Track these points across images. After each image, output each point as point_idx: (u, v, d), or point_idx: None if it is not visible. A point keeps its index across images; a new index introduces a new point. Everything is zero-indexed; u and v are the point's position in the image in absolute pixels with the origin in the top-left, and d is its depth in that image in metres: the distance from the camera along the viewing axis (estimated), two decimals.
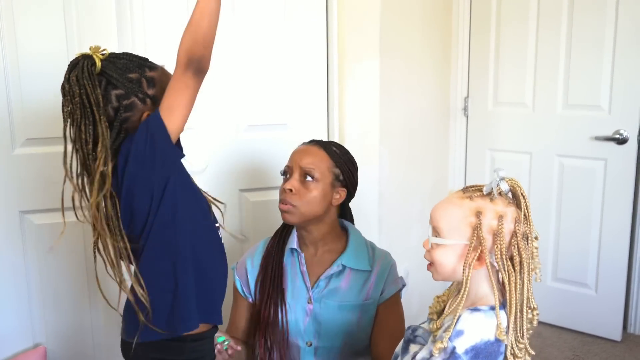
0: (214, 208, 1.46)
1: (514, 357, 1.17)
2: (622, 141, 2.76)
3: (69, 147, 1.30)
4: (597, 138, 2.82)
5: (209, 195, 1.46)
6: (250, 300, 1.73)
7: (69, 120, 1.26)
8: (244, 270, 1.75)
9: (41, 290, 2.00)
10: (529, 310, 1.20)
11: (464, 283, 1.19)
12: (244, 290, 1.74)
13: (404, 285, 1.74)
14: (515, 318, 1.17)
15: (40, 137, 1.90)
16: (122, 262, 1.33)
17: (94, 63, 1.25)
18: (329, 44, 2.28)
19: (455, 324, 1.17)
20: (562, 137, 2.94)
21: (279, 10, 2.20)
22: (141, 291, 1.29)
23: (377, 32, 2.27)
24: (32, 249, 1.97)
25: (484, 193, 1.20)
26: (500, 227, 1.15)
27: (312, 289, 1.66)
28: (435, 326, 1.24)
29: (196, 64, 1.26)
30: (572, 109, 2.89)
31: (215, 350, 1.52)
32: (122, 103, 1.27)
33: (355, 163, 1.73)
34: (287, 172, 1.66)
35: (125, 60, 1.30)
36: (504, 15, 3.01)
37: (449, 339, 1.14)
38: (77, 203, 1.33)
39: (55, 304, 2.02)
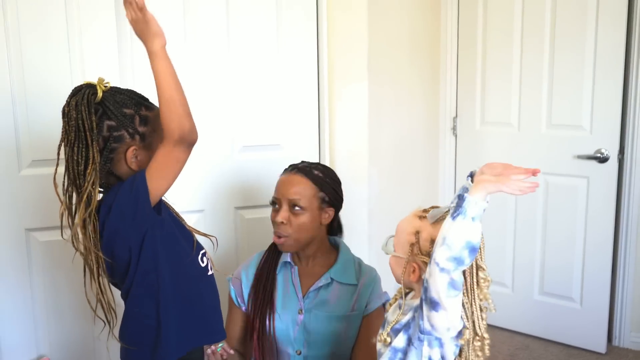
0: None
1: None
2: (603, 160, 2.86)
3: (61, 167, 1.41)
4: (580, 157, 2.92)
5: (199, 232, 1.55)
6: (244, 309, 1.83)
7: (64, 140, 1.36)
8: (238, 282, 1.85)
9: (45, 304, 2.09)
10: (477, 339, 1.27)
11: (403, 293, 1.31)
12: (238, 300, 1.84)
13: (387, 300, 1.84)
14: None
15: (46, 159, 2.00)
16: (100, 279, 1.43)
17: (96, 92, 1.35)
18: (320, 68, 2.39)
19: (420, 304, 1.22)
20: (546, 156, 3.03)
21: (272, 37, 2.31)
22: (106, 305, 1.43)
23: (365, 56, 2.38)
24: (37, 265, 2.07)
25: (427, 216, 1.30)
26: (431, 249, 1.23)
27: (302, 299, 1.76)
28: (382, 337, 1.34)
29: (188, 138, 1.35)
30: (555, 129, 2.99)
31: (209, 351, 1.61)
32: (112, 134, 1.36)
33: (338, 180, 1.85)
34: (275, 203, 1.76)
35: (125, 96, 1.40)
36: (490, 39, 3.12)
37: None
38: (64, 221, 1.42)
39: (58, 316, 2.11)
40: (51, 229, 2.03)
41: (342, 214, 2.29)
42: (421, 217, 1.32)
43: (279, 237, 1.73)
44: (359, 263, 1.85)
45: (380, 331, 1.38)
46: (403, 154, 2.87)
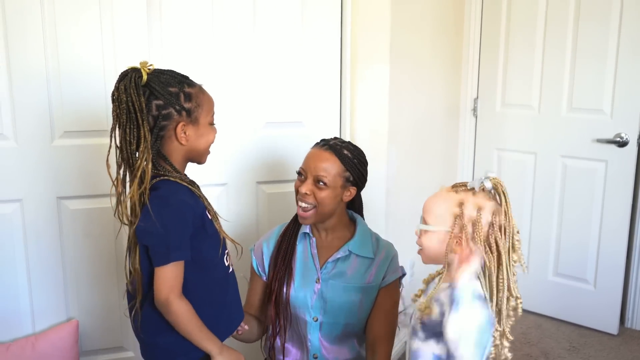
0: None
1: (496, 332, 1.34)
2: (622, 144, 2.88)
3: (113, 146, 1.47)
4: (599, 140, 2.94)
5: (228, 237, 1.60)
6: (265, 279, 1.91)
7: (116, 123, 1.44)
8: (260, 252, 1.93)
9: (75, 270, 2.18)
10: (512, 298, 1.35)
11: (445, 265, 1.36)
12: (259, 269, 1.92)
13: (404, 274, 1.91)
14: (498, 301, 1.33)
15: (77, 130, 2.09)
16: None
17: (141, 75, 1.43)
18: (343, 48, 2.42)
19: (451, 292, 1.27)
20: (566, 139, 3.06)
21: (296, 17, 2.34)
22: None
23: (388, 37, 2.41)
24: (68, 232, 2.15)
25: (468, 188, 1.37)
26: (478, 217, 1.32)
27: (320, 269, 1.84)
28: (423, 306, 1.40)
29: None
30: (575, 112, 3.01)
31: None
32: (161, 112, 1.44)
33: (366, 161, 1.89)
34: (301, 174, 1.82)
35: (168, 76, 1.47)
36: (514, 21, 3.13)
37: (454, 291, 1.24)
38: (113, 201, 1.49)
39: (87, 282, 2.21)
40: (81, 197, 2.14)
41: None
42: (457, 191, 1.37)
43: (303, 209, 1.79)
44: (376, 238, 1.92)
45: (418, 300, 1.44)
46: (422, 134, 2.91)
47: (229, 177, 2.36)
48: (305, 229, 1.87)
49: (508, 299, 1.34)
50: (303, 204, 1.79)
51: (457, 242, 1.34)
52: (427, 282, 1.52)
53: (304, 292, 1.83)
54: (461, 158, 3.40)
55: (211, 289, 1.56)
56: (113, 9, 2.08)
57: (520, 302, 1.37)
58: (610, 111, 2.90)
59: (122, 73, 1.44)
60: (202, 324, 1.48)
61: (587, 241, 3.07)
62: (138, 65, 1.45)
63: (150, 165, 1.43)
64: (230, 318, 1.65)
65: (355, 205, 1.98)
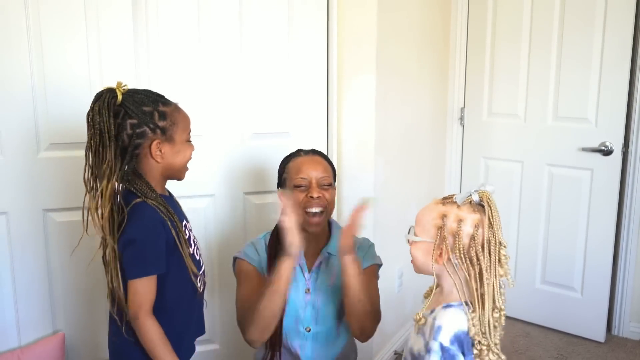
0: None
1: (479, 344, 1.33)
2: (607, 152, 2.90)
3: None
4: (584, 149, 2.97)
5: (191, 266, 1.62)
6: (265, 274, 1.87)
7: (89, 143, 1.48)
8: (254, 251, 1.89)
9: (61, 282, 2.17)
10: (496, 310, 1.35)
11: (434, 276, 1.38)
12: (259, 267, 1.87)
13: (381, 264, 1.94)
14: (478, 313, 1.34)
15: (63, 142, 2.08)
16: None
17: (115, 96, 1.47)
18: (329, 59, 2.44)
19: (433, 321, 1.35)
20: (552, 148, 3.09)
21: (283, 28, 2.35)
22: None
23: (374, 48, 2.42)
24: (53, 244, 2.14)
25: (454, 200, 1.38)
26: (458, 229, 1.33)
27: (309, 279, 1.84)
28: (418, 317, 1.42)
29: None
30: (561, 121, 3.04)
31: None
32: (135, 131, 1.49)
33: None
34: (302, 185, 1.81)
35: (142, 96, 1.51)
36: (499, 32, 3.16)
37: (433, 338, 1.32)
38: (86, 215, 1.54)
39: (73, 294, 2.19)
40: (67, 209, 2.12)
41: (348, 201, 2.38)
42: (445, 203, 1.38)
43: (315, 215, 1.79)
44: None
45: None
46: (410, 144, 2.92)
47: (216, 188, 2.36)
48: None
49: (492, 309, 1.34)
50: (314, 210, 1.79)
51: (439, 253, 1.35)
52: (427, 296, 1.53)
53: (294, 305, 1.83)
54: (448, 167, 3.42)
55: (183, 303, 1.62)
56: (99, 22, 2.08)
57: (504, 314, 1.37)
58: (595, 120, 2.93)
59: (97, 94, 1.49)
60: (167, 343, 1.52)
61: (574, 249, 3.09)
62: (114, 86, 1.49)
63: (110, 186, 1.47)
64: (195, 328, 1.73)
65: None
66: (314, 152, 1.92)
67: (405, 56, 2.78)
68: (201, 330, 1.77)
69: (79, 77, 2.08)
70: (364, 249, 1.91)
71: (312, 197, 1.79)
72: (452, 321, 1.34)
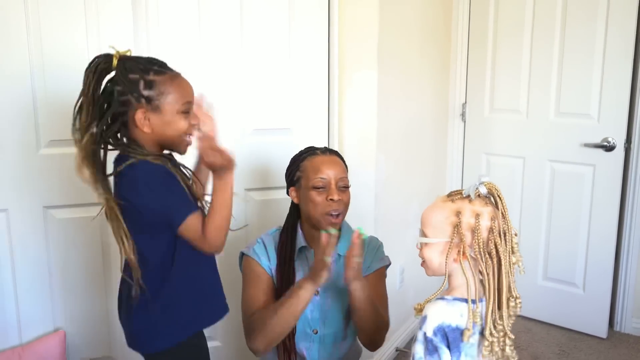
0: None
1: (491, 336, 1.33)
2: (609, 148, 2.89)
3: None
4: (587, 145, 2.96)
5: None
6: (269, 273, 1.86)
7: (79, 101, 1.49)
8: (263, 248, 1.89)
9: (62, 279, 2.16)
10: (512, 299, 1.35)
11: (445, 275, 1.36)
12: (266, 265, 1.86)
13: (389, 264, 1.93)
14: (493, 304, 1.33)
15: (63, 139, 2.06)
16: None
17: (109, 61, 1.48)
18: (330, 54, 2.42)
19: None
20: (554, 143, 3.07)
21: (284, 24, 2.34)
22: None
23: (376, 43, 2.41)
24: (54, 241, 2.13)
25: (464, 195, 1.36)
26: (477, 224, 1.31)
27: None
28: (417, 309, 1.41)
29: (214, 252, 1.57)
30: (563, 117, 3.02)
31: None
32: (120, 98, 1.47)
33: None
34: (322, 186, 1.78)
35: (133, 62, 1.49)
36: (501, 27, 3.15)
37: (419, 327, 1.32)
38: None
39: (74, 292, 2.18)
40: (68, 206, 2.12)
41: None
42: (454, 200, 1.36)
43: (336, 217, 1.77)
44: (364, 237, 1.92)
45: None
46: (411, 140, 2.91)
47: None
48: (302, 242, 1.84)
49: (508, 299, 1.34)
50: (337, 212, 1.77)
51: (457, 251, 1.33)
52: (419, 308, 1.52)
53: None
54: (450, 163, 3.41)
55: (199, 272, 1.59)
56: (99, 16, 2.06)
57: (520, 302, 1.37)
58: (598, 116, 2.91)
59: (93, 58, 1.50)
60: (227, 203, 1.53)
61: (576, 245, 3.08)
62: (112, 52, 1.49)
63: (85, 143, 1.47)
64: (214, 305, 1.67)
65: None
66: (330, 151, 1.87)
67: (407, 51, 2.76)
68: (223, 308, 1.71)
69: (80, 73, 2.05)
70: (372, 251, 1.89)
71: (332, 199, 1.76)
72: (438, 313, 1.32)
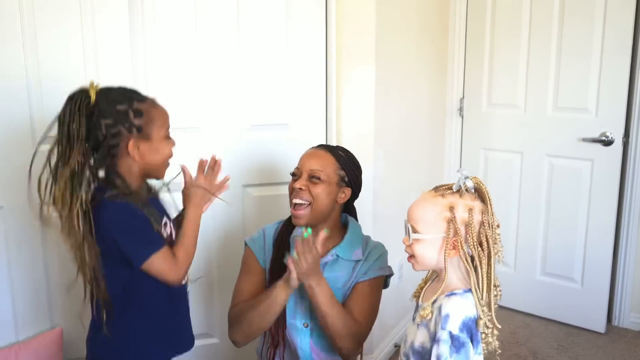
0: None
1: (486, 328, 1.35)
2: (608, 143, 2.89)
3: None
4: (585, 139, 2.95)
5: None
6: (262, 265, 1.86)
7: (57, 144, 1.43)
8: (262, 240, 1.89)
9: (58, 276, 2.14)
10: (494, 288, 1.38)
11: (445, 270, 1.36)
12: (259, 256, 1.87)
13: (391, 274, 1.89)
14: (488, 294, 1.35)
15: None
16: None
17: (89, 96, 1.42)
18: (328, 50, 2.41)
19: (438, 311, 1.34)
20: (552, 138, 3.07)
21: (281, 19, 2.32)
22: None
23: (373, 38, 2.40)
24: (50, 238, 2.10)
25: (454, 190, 1.37)
26: (470, 218, 1.33)
27: None
28: (426, 312, 1.39)
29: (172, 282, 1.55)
30: (561, 112, 3.02)
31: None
32: (110, 131, 1.43)
33: (360, 166, 1.89)
34: (296, 174, 1.80)
35: (116, 94, 1.46)
36: (499, 21, 3.14)
37: (442, 327, 1.31)
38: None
39: (71, 288, 2.17)
40: None
41: None
42: (444, 194, 1.37)
43: (297, 207, 1.76)
44: (366, 240, 1.90)
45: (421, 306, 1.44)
46: (409, 135, 2.90)
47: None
48: (298, 233, 1.83)
49: (491, 289, 1.36)
50: (297, 201, 1.76)
51: (453, 246, 1.34)
52: (417, 295, 1.52)
53: (294, 297, 1.80)
54: (448, 158, 3.41)
55: (162, 302, 1.58)
56: (94, 15, 2.05)
57: (500, 291, 1.40)
58: (596, 110, 2.91)
59: (69, 95, 1.44)
60: (193, 234, 1.58)
61: (574, 240, 3.08)
62: (86, 86, 1.44)
63: (78, 190, 1.42)
64: (179, 336, 1.68)
65: (352, 213, 1.98)
66: (323, 146, 1.87)
67: (405, 47, 2.75)
68: (189, 339, 1.73)
69: (75, 70, 2.05)
70: (372, 257, 1.85)
71: (294, 187, 1.77)
72: (460, 308, 1.33)
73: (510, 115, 3.19)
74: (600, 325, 3.08)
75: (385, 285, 1.90)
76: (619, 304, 3.12)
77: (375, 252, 1.87)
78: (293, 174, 1.81)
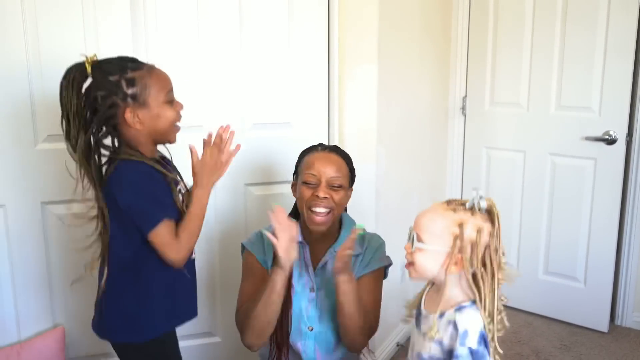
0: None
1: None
2: (611, 141, 2.88)
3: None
4: (588, 138, 2.94)
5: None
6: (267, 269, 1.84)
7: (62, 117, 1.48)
8: (261, 244, 1.87)
9: (60, 275, 2.15)
10: (498, 313, 1.35)
11: (444, 284, 1.35)
12: (263, 261, 1.85)
13: (390, 264, 1.89)
14: (491, 317, 1.33)
15: (61, 134, 2.04)
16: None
17: (84, 70, 1.45)
18: (330, 48, 2.40)
19: (453, 327, 1.31)
20: (555, 137, 3.06)
21: (283, 18, 2.32)
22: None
23: (376, 37, 2.39)
24: (52, 237, 2.12)
25: (467, 207, 1.35)
26: (478, 238, 1.30)
27: (314, 277, 1.81)
28: (434, 331, 1.36)
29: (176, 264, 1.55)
30: (564, 110, 3.01)
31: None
32: (106, 103, 1.45)
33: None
34: (311, 182, 1.76)
35: (109, 64, 1.48)
36: (501, 20, 3.13)
37: (460, 344, 1.29)
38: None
39: (73, 287, 2.17)
40: (66, 202, 2.08)
41: None
42: (455, 209, 1.34)
43: (320, 215, 1.74)
44: (361, 234, 1.89)
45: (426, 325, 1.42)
46: (411, 133, 2.90)
47: None
48: (299, 238, 1.82)
49: (495, 314, 1.34)
50: (320, 209, 1.74)
51: (455, 262, 1.32)
52: (410, 306, 1.51)
53: (299, 302, 1.80)
54: (450, 157, 3.40)
55: (169, 273, 1.57)
56: (96, 9, 2.05)
57: (504, 315, 1.37)
58: (599, 109, 2.90)
59: (66, 69, 1.47)
60: (198, 217, 1.56)
61: (577, 239, 3.07)
62: (82, 59, 1.47)
63: (83, 140, 1.48)
64: (188, 305, 1.69)
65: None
66: (332, 149, 1.84)
67: (407, 45, 2.75)
68: (193, 310, 1.72)
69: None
70: (372, 249, 1.85)
71: (317, 196, 1.74)
72: (474, 322, 1.31)
73: (513, 114, 3.18)
74: (603, 325, 3.07)
75: (385, 275, 1.90)
76: (622, 303, 3.11)
77: (373, 242, 1.87)
78: (306, 182, 1.77)
